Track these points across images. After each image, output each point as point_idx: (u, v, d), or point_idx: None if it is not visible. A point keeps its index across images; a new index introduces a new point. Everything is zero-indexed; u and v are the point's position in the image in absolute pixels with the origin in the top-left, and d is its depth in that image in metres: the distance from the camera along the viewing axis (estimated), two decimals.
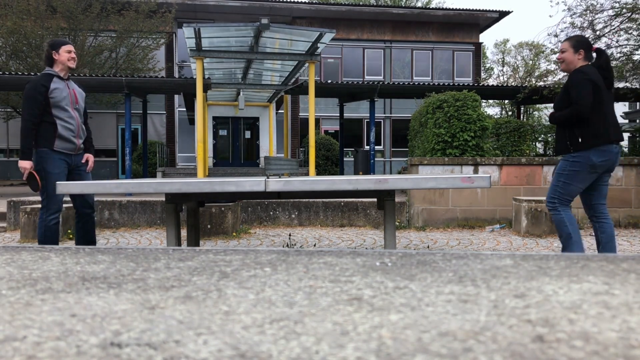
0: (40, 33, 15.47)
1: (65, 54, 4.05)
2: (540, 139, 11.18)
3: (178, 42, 20.87)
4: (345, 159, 19.64)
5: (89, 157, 4.21)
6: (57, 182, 2.98)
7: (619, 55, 11.12)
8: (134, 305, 0.77)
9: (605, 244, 3.74)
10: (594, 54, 3.74)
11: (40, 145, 3.91)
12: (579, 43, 3.69)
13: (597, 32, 10.77)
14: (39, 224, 3.95)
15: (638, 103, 22.96)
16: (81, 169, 4.15)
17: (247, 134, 20.96)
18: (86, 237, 4.18)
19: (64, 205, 6.44)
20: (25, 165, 3.89)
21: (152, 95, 16.79)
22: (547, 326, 0.66)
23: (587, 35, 10.89)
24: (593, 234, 6.44)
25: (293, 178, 3.05)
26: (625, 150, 12.93)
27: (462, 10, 21.47)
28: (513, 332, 0.63)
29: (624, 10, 10.34)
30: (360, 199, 7.33)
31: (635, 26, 10.54)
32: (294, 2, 20.11)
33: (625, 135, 16.34)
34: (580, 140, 3.55)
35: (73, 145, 4.04)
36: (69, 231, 6.34)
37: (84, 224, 4.16)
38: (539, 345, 0.59)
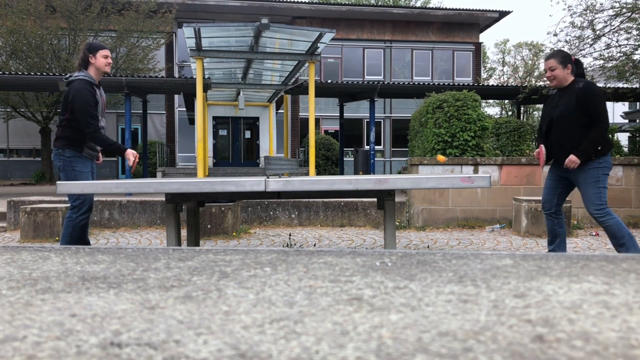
0: (40, 33, 15.48)
1: (102, 59, 4.06)
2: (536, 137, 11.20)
3: (178, 42, 20.86)
4: (345, 159, 19.64)
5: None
6: (58, 182, 2.98)
7: (619, 55, 11.12)
8: (134, 305, 0.77)
9: (564, 239, 4.04)
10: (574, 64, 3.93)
11: (69, 147, 3.97)
12: (565, 58, 3.86)
13: (597, 32, 10.77)
14: (67, 222, 3.99)
15: (638, 103, 22.97)
16: (94, 174, 4.25)
17: (247, 134, 20.97)
18: (82, 238, 4.20)
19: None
20: (130, 154, 4.00)
21: (152, 95, 16.78)
22: (547, 326, 0.66)
23: (587, 35, 10.90)
24: (592, 234, 6.44)
25: (293, 178, 3.05)
26: (625, 150, 12.92)
27: (462, 10, 21.47)
28: (513, 332, 0.63)
29: (624, 10, 10.34)
30: (360, 199, 7.33)
31: (635, 26, 10.53)
32: (294, 2, 20.11)
33: (625, 135, 16.35)
34: (599, 148, 3.74)
35: (96, 153, 4.16)
36: None
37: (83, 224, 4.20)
38: (539, 345, 0.59)
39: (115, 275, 0.99)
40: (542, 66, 25.60)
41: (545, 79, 13.03)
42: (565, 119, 3.78)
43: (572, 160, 3.74)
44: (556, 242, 4.02)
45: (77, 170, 3.99)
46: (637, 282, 0.90)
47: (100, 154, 4.23)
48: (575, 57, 3.97)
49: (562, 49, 11.02)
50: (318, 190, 3.30)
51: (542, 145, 4.00)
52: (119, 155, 4.06)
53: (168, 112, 21.04)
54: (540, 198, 6.60)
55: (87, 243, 4.30)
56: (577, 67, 3.90)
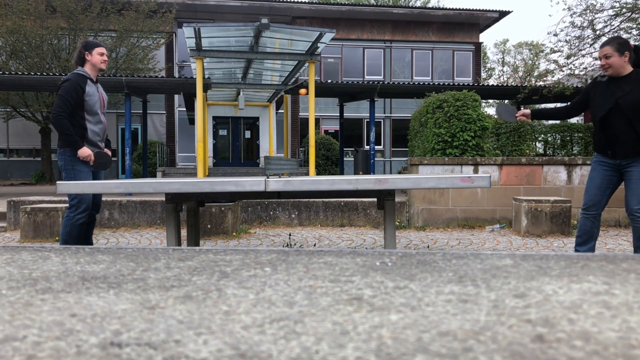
0: (40, 33, 15.48)
1: (98, 57, 4.10)
2: (540, 139, 11.18)
3: (178, 42, 20.86)
4: (345, 158, 19.64)
5: (107, 152, 4.35)
6: (57, 182, 2.98)
7: None
8: (134, 305, 0.77)
9: (595, 242, 3.85)
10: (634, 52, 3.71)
11: (69, 145, 3.98)
12: (622, 45, 3.61)
13: (597, 32, 10.77)
14: (65, 222, 3.99)
15: None
16: (98, 172, 4.23)
17: (247, 134, 20.96)
18: (85, 238, 4.20)
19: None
20: (85, 152, 3.96)
21: (152, 95, 16.79)
22: (547, 326, 0.66)
23: (587, 35, 10.90)
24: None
25: (293, 178, 3.05)
26: None
27: (462, 10, 21.47)
28: (513, 332, 0.63)
29: (624, 10, 10.34)
30: (360, 199, 7.33)
31: (635, 26, 10.53)
32: (294, 2, 20.11)
33: None
34: None
35: (98, 150, 4.16)
36: None
37: (86, 225, 4.18)
38: (539, 345, 0.59)
39: (115, 275, 0.99)
40: (542, 66, 25.60)
41: (545, 79, 13.03)
42: (638, 112, 3.54)
43: None
44: (590, 245, 3.84)
45: (77, 169, 3.98)
46: (637, 282, 0.90)
47: (102, 146, 4.21)
48: (635, 44, 3.77)
49: (562, 48, 11.03)
50: (318, 190, 3.30)
51: (529, 111, 3.94)
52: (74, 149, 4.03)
53: (168, 112, 21.04)
54: (540, 198, 6.60)
55: (90, 243, 4.30)
56: (637, 53, 3.66)
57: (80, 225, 4.01)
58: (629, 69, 3.61)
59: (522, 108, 18.49)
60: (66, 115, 3.92)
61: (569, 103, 3.96)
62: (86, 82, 4.01)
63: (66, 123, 3.92)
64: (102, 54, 4.11)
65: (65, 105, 3.91)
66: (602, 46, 3.70)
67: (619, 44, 3.61)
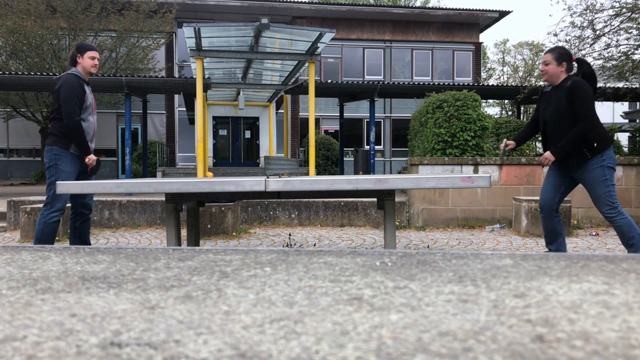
0: (40, 33, 15.48)
1: (89, 60, 4.09)
2: (540, 138, 11.20)
3: (178, 42, 20.86)
4: (345, 158, 19.64)
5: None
6: (58, 182, 2.98)
7: (619, 55, 11.12)
8: (134, 305, 0.77)
9: (564, 238, 4.00)
10: (575, 64, 3.90)
11: (57, 143, 3.99)
12: (562, 55, 3.81)
13: (597, 32, 10.77)
14: (39, 219, 3.95)
15: (637, 103, 22.97)
16: (88, 173, 4.20)
17: (247, 134, 20.96)
18: (81, 238, 4.18)
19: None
20: (92, 158, 4.01)
21: (152, 95, 16.79)
22: (547, 326, 0.66)
23: (587, 35, 10.90)
24: (591, 233, 6.43)
25: (293, 178, 3.05)
26: (625, 150, 12.92)
27: (462, 10, 21.47)
28: (513, 332, 0.63)
29: (624, 10, 10.34)
30: (360, 199, 7.32)
31: (635, 26, 10.53)
32: (294, 2, 20.11)
33: (625, 135, 16.34)
34: (595, 145, 3.69)
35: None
36: (69, 231, 6.33)
37: (80, 224, 4.16)
38: (539, 345, 0.59)
39: (115, 275, 0.99)
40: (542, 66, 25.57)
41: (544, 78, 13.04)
42: (557, 117, 3.77)
43: (546, 157, 3.76)
44: (558, 241, 3.96)
45: (60, 169, 3.93)
46: (637, 282, 0.90)
47: (91, 147, 4.14)
48: (577, 56, 3.96)
49: None
50: (318, 190, 3.30)
51: (506, 141, 4.10)
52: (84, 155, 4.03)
53: (168, 112, 21.04)
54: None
55: (88, 244, 4.29)
56: (581, 67, 3.84)
57: (54, 223, 3.95)
58: (563, 77, 3.80)
59: (522, 108, 18.48)
60: (79, 117, 3.91)
61: (530, 120, 4.22)
62: (82, 83, 4.01)
63: (80, 132, 3.93)
64: (93, 58, 4.10)
65: (76, 106, 3.90)
66: (545, 52, 3.93)
67: (559, 54, 3.81)
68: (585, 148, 3.70)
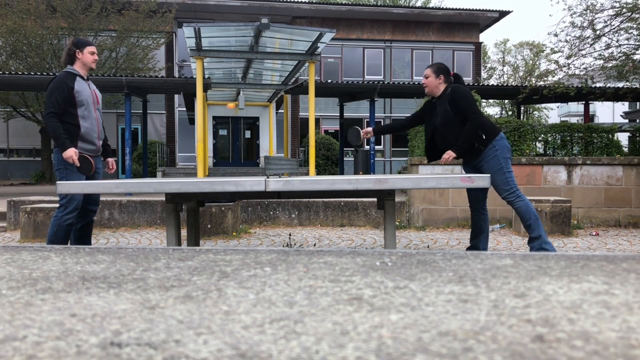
0: (40, 33, 15.48)
1: (89, 55, 4.04)
2: (540, 138, 11.18)
3: (178, 42, 20.86)
4: (345, 158, 19.63)
5: (112, 162, 4.30)
6: (57, 182, 2.98)
7: (619, 55, 11.11)
8: (134, 305, 0.77)
9: (487, 234, 4.32)
10: (452, 78, 4.29)
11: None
12: (440, 69, 4.21)
13: (597, 32, 10.77)
14: (53, 222, 3.91)
15: (638, 103, 22.96)
16: (98, 172, 4.14)
17: (247, 134, 20.96)
18: (83, 239, 4.15)
19: None
20: (70, 153, 3.86)
21: (152, 95, 16.78)
22: (547, 326, 0.66)
23: (587, 35, 10.90)
24: (587, 234, 6.44)
25: (293, 178, 3.05)
26: (625, 150, 12.91)
27: (462, 10, 21.47)
28: (513, 332, 0.63)
29: (624, 10, 10.34)
30: (360, 199, 7.32)
31: (635, 26, 10.53)
32: (294, 2, 20.11)
33: (625, 135, 16.34)
34: (484, 137, 4.05)
35: (94, 147, 4.07)
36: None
37: (84, 226, 4.12)
38: (539, 345, 0.59)
39: (115, 275, 0.99)
40: (542, 66, 25.63)
41: (545, 78, 13.04)
42: (447, 125, 4.11)
43: (448, 154, 4.05)
44: (480, 237, 4.25)
45: (69, 169, 3.90)
46: (637, 282, 0.90)
47: (99, 144, 4.09)
48: (455, 72, 4.43)
49: (562, 49, 11.03)
50: (318, 190, 3.30)
51: (371, 128, 4.51)
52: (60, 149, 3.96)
53: (168, 112, 21.04)
54: (540, 198, 6.60)
55: (89, 243, 4.27)
56: (457, 79, 4.27)
57: (68, 226, 3.91)
58: (442, 88, 4.18)
59: (522, 108, 18.41)
60: (54, 114, 3.85)
61: (408, 116, 4.60)
62: (74, 79, 3.93)
63: (55, 123, 3.85)
64: (93, 53, 4.06)
65: (52, 104, 3.84)
66: (426, 68, 4.33)
67: (437, 68, 4.22)
68: (477, 142, 4.05)
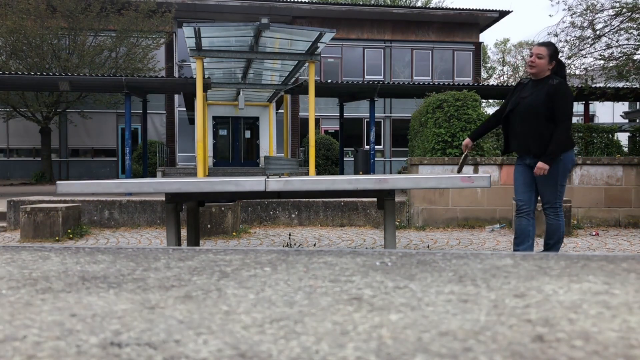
0: (40, 33, 15.49)
1: None
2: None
3: (178, 42, 20.86)
4: (345, 158, 19.62)
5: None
6: (57, 182, 2.98)
7: (619, 55, 11.11)
8: (134, 305, 0.77)
9: (533, 242, 3.95)
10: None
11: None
12: (555, 54, 3.82)
13: (597, 32, 10.77)
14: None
15: (638, 103, 22.96)
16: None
17: (247, 134, 20.95)
18: None
19: (65, 205, 6.43)
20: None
21: (152, 95, 16.78)
22: (547, 326, 0.66)
23: (587, 35, 10.90)
24: (591, 234, 6.43)
25: (293, 178, 3.05)
26: (625, 150, 12.91)
27: (462, 10, 21.47)
28: (513, 332, 0.63)
29: (624, 10, 10.34)
30: (360, 199, 7.32)
31: (635, 26, 10.53)
32: (294, 2, 20.10)
33: (625, 135, 16.35)
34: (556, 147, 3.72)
35: None
36: (69, 231, 6.34)
37: None
38: (539, 345, 0.59)
39: (115, 275, 0.99)
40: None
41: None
42: (532, 110, 3.73)
43: (541, 167, 3.68)
44: (527, 244, 3.84)
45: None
46: (637, 282, 0.90)
47: None
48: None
49: (563, 49, 11.02)
50: (318, 190, 3.30)
51: (469, 139, 4.11)
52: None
53: (168, 112, 21.04)
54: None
55: None
56: (560, 69, 3.86)
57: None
58: (547, 74, 3.80)
59: None
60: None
61: (497, 109, 4.22)
62: None
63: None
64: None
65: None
66: (539, 44, 3.90)
67: (554, 51, 3.81)
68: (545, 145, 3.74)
